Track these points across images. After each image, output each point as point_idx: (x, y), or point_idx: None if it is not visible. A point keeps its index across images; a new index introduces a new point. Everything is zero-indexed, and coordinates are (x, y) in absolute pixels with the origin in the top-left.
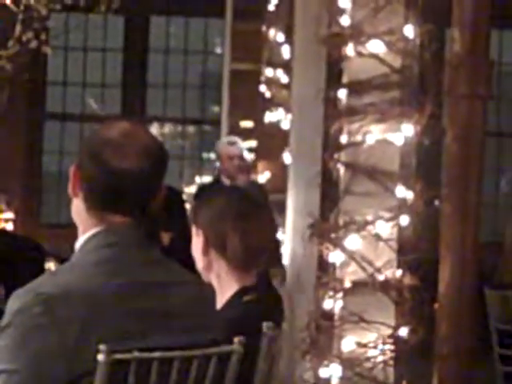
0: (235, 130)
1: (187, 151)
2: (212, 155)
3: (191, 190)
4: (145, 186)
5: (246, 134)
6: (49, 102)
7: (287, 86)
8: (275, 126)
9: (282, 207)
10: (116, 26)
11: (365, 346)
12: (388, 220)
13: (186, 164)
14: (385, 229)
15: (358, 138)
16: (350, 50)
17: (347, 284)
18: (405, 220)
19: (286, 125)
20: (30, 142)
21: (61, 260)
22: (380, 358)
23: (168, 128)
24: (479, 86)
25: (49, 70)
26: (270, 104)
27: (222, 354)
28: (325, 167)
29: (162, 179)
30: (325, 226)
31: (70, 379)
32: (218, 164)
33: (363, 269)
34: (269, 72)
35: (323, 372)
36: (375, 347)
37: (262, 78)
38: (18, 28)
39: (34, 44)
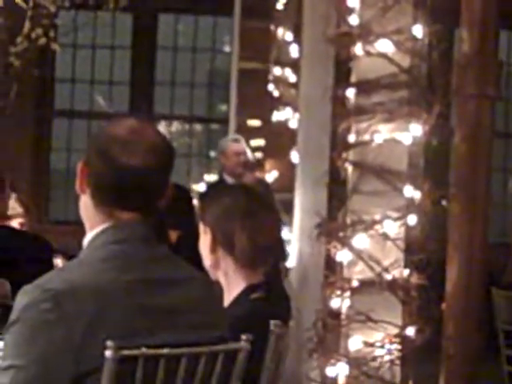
0: (243, 129)
1: (194, 149)
2: None
3: (199, 188)
4: (152, 182)
5: (253, 133)
6: (57, 99)
7: (295, 85)
8: (283, 124)
9: (289, 206)
10: (124, 23)
11: (372, 345)
12: (396, 219)
13: (193, 162)
14: (392, 228)
15: (366, 137)
16: (358, 49)
17: (354, 283)
18: (412, 219)
19: (293, 124)
20: (37, 138)
21: (68, 257)
22: (387, 358)
23: (175, 126)
24: (487, 86)
25: (57, 67)
26: (278, 103)
27: (229, 351)
28: (332, 166)
29: (170, 176)
30: (332, 225)
31: (77, 375)
32: (221, 162)
33: (371, 268)
34: (277, 71)
35: (330, 371)
36: (382, 346)
37: (270, 77)
38: (27, 25)
39: (42, 41)
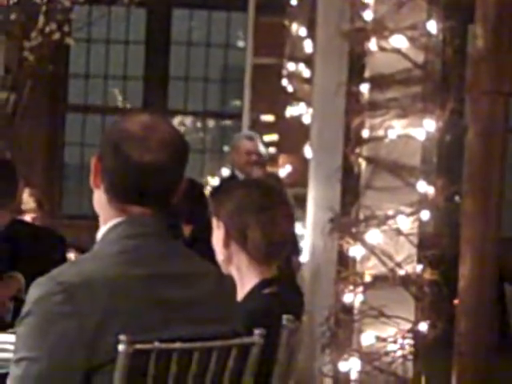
0: (256, 124)
1: (208, 145)
2: None
3: (212, 183)
4: (166, 178)
5: (267, 128)
6: (71, 94)
7: (309, 81)
8: (296, 120)
9: (302, 201)
10: (138, 18)
11: (384, 340)
12: (409, 215)
13: (206, 157)
14: (405, 224)
15: (380, 132)
16: (372, 44)
17: (367, 278)
18: (425, 215)
19: (307, 119)
20: (51, 133)
21: (82, 251)
22: (399, 353)
23: (189, 121)
24: (502, 82)
25: (71, 62)
26: (292, 98)
27: (242, 345)
28: (346, 162)
29: (184, 171)
30: (345, 220)
31: (89, 368)
32: (232, 157)
33: (383, 263)
34: (291, 66)
35: (342, 366)
36: (395, 342)
37: (284, 72)
38: (42, 19)
39: (56, 36)
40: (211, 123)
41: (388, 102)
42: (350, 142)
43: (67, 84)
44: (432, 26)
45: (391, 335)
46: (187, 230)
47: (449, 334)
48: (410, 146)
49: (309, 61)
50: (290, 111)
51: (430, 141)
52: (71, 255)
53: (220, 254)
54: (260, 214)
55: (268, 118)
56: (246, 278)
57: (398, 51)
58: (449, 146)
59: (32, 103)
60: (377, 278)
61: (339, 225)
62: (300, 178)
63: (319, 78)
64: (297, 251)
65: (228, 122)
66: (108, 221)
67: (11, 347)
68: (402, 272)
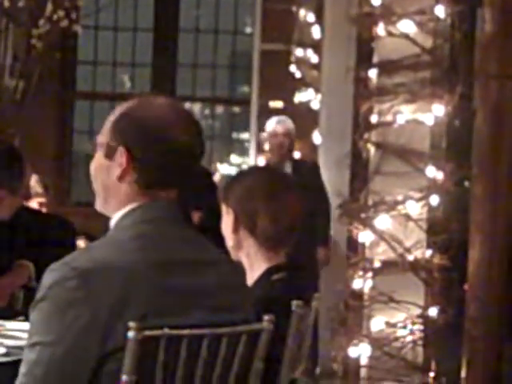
0: (265, 110)
1: (217, 131)
2: (242, 135)
3: (221, 169)
4: (196, 158)
5: (275, 114)
6: (79, 81)
7: (317, 66)
8: (305, 106)
9: None
10: (146, 5)
11: (394, 325)
12: (418, 200)
13: (215, 144)
14: (415, 209)
15: (389, 118)
16: (380, 29)
17: (377, 264)
18: (435, 200)
19: (315, 105)
20: (60, 121)
21: (91, 238)
22: (409, 338)
23: (198, 108)
24: (510, 66)
25: (79, 50)
26: (300, 84)
27: (251, 332)
28: (355, 147)
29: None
30: (354, 205)
31: (103, 353)
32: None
33: (393, 249)
34: (299, 52)
35: (352, 351)
36: (404, 327)
37: (292, 58)
38: (49, 7)
39: (64, 23)
40: (220, 110)
41: (396, 87)
42: (359, 127)
43: (75, 71)
44: (440, 11)
45: (401, 321)
46: (196, 216)
47: (459, 319)
48: (418, 131)
49: (317, 46)
50: (299, 97)
51: (439, 125)
52: (81, 243)
53: (229, 239)
54: (269, 200)
55: (276, 104)
56: (255, 264)
57: (406, 36)
58: (457, 130)
59: (40, 90)
60: (386, 264)
61: (348, 210)
62: None
63: (327, 63)
64: (325, 242)
65: (236, 109)
66: (123, 205)
67: (22, 335)
68: (411, 257)
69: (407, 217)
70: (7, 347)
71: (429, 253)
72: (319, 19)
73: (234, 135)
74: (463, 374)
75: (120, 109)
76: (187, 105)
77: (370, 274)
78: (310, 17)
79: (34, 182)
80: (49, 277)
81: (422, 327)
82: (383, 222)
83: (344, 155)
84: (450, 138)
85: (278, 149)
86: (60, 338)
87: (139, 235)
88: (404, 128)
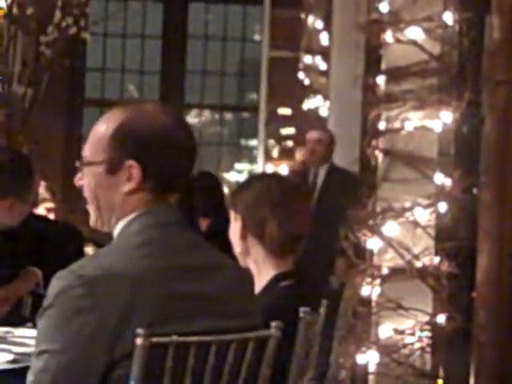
0: (273, 117)
1: (225, 138)
2: (250, 142)
3: (229, 176)
4: (195, 159)
5: (284, 121)
6: (88, 88)
7: (325, 73)
8: (313, 112)
9: None
10: (155, 12)
11: (402, 332)
12: (426, 207)
13: (223, 151)
14: (423, 216)
15: (397, 124)
16: (388, 36)
17: (385, 271)
18: (443, 207)
19: (324, 111)
20: (68, 128)
21: (99, 245)
22: (417, 345)
23: (206, 115)
24: None
25: (88, 57)
26: (309, 91)
27: (259, 338)
28: (363, 154)
29: None
30: (362, 212)
31: (110, 360)
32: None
33: (401, 256)
34: (307, 59)
35: (360, 358)
36: (413, 334)
37: (301, 65)
38: (58, 14)
39: (73, 30)
40: (228, 116)
41: (404, 94)
42: (367, 134)
43: (84, 78)
44: (448, 18)
45: (409, 327)
46: (204, 223)
47: (467, 325)
48: (426, 138)
49: (325, 53)
50: (307, 104)
51: (447, 132)
52: (89, 250)
53: (237, 246)
54: (277, 207)
55: (285, 110)
56: (263, 271)
57: (414, 43)
58: (466, 137)
59: (49, 98)
60: (394, 271)
61: (356, 217)
62: None
63: (336, 70)
64: (344, 253)
65: (245, 116)
66: (127, 213)
67: (30, 342)
68: (419, 264)
69: (415, 224)
70: (15, 354)
71: (437, 260)
72: (327, 26)
73: (243, 142)
74: (471, 381)
75: (112, 122)
76: (195, 112)
77: (378, 281)
78: (319, 24)
79: (41, 187)
80: (55, 285)
81: (430, 334)
82: (391, 228)
83: (352, 162)
84: (458, 144)
85: (307, 155)
86: (67, 345)
87: (145, 242)
88: (412, 135)
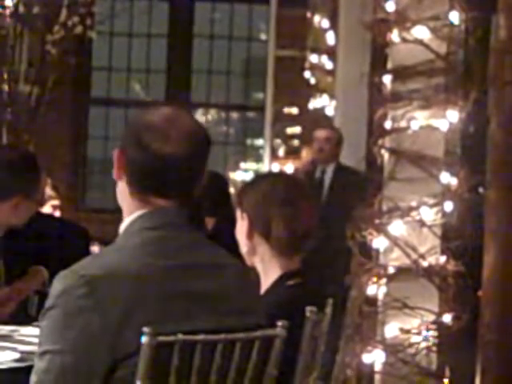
0: (279, 117)
1: (231, 137)
2: (256, 141)
3: (235, 176)
4: (188, 170)
5: (290, 120)
6: (94, 87)
7: (332, 72)
8: (320, 112)
9: None
10: (161, 11)
11: (408, 332)
12: (432, 206)
13: (229, 150)
14: (429, 215)
15: (403, 123)
16: (394, 35)
17: (391, 270)
18: (449, 206)
19: (330, 111)
20: (74, 127)
21: (105, 244)
22: (423, 345)
23: (212, 114)
24: None
25: (94, 56)
26: (315, 90)
27: (265, 337)
28: (369, 153)
29: (205, 164)
30: (369, 211)
31: (113, 360)
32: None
33: (407, 255)
34: (313, 58)
35: (366, 357)
36: (418, 333)
37: (307, 65)
38: (64, 13)
39: (79, 29)
40: (234, 116)
41: (411, 93)
42: (373, 133)
43: (90, 77)
44: (454, 17)
45: (415, 327)
46: (210, 222)
47: (473, 325)
48: (432, 137)
49: (331, 52)
50: (313, 103)
51: (453, 132)
52: (95, 248)
53: (243, 245)
54: (284, 206)
55: (291, 110)
56: (269, 270)
57: (420, 42)
58: (472, 136)
59: (55, 97)
60: (400, 270)
61: (363, 216)
62: None
63: (342, 69)
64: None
65: (251, 115)
66: (131, 213)
67: (36, 340)
68: (425, 263)
69: (421, 223)
70: (21, 352)
71: (443, 259)
72: (334, 25)
73: (249, 141)
74: (477, 380)
75: None
76: (201, 111)
77: (384, 280)
78: (325, 23)
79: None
80: (57, 285)
81: (436, 333)
82: (397, 227)
83: (358, 161)
84: (465, 144)
85: (315, 153)
86: (70, 346)
87: (147, 241)
88: (418, 134)
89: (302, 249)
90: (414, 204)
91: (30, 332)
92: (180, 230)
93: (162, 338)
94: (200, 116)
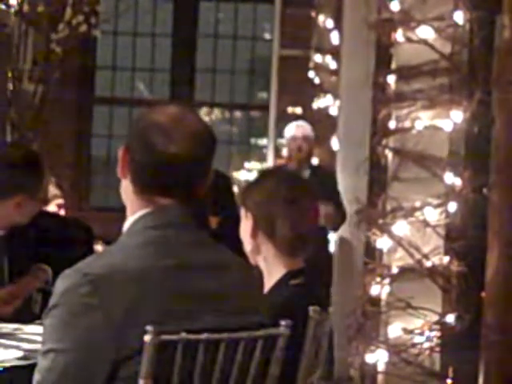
0: (283, 116)
1: (235, 137)
2: (260, 141)
3: (239, 175)
4: (192, 170)
5: (294, 120)
6: (98, 86)
7: (336, 72)
8: (323, 111)
9: None
10: (165, 10)
11: (411, 332)
12: (436, 206)
13: (233, 149)
14: (432, 215)
15: (407, 123)
16: (399, 35)
17: (394, 270)
18: (453, 207)
19: (334, 111)
20: (79, 126)
21: (109, 243)
22: (426, 345)
23: (216, 113)
24: None
25: (98, 55)
26: (319, 90)
27: (268, 337)
28: (373, 153)
29: (211, 164)
30: (372, 211)
31: (116, 359)
32: (284, 151)
33: (411, 255)
34: (317, 58)
35: (369, 357)
36: (422, 333)
37: (311, 64)
38: (69, 12)
39: (83, 28)
40: (238, 115)
41: (415, 93)
42: (377, 133)
43: (94, 76)
44: (459, 17)
45: (418, 327)
46: (214, 221)
47: (476, 325)
48: (436, 138)
49: (336, 52)
50: (317, 103)
51: (457, 132)
52: (99, 247)
53: (247, 244)
54: (288, 205)
55: (295, 109)
56: (273, 269)
57: (424, 42)
58: (476, 137)
59: (59, 95)
60: (404, 270)
61: (366, 216)
62: None
63: (346, 69)
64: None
65: (255, 114)
66: (135, 211)
67: (39, 338)
68: (429, 263)
69: (425, 223)
70: (25, 351)
71: (446, 259)
72: (338, 25)
73: (253, 141)
74: (480, 380)
75: None
76: (205, 111)
77: (387, 280)
78: (329, 23)
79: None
80: (61, 284)
81: (439, 334)
82: (401, 228)
83: (362, 161)
84: (469, 144)
85: (296, 153)
86: (73, 344)
87: (150, 241)
88: (422, 134)
89: (306, 248)
90: (417, 204)
91: (33, 330)
92: (184, 229)
93: (165, 337)
94: (204, 115)
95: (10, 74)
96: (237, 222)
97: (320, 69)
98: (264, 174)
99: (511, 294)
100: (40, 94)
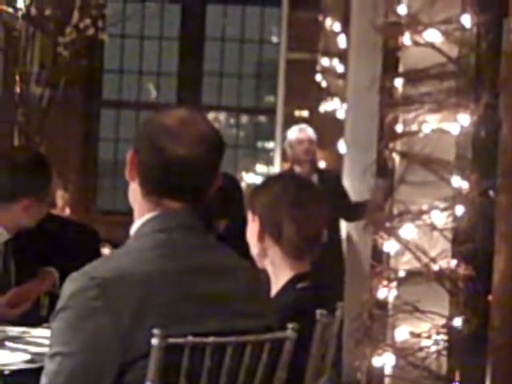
0: (290, 120)
1: (242, 140)
2: (267, 144)
3: (246, 179)
4: (200, 173)
5: (301, 124)
6: (105, 89)
7: (343, 76)
8: (330, 115)
9: None
10: (173, 14)
11: (418, 335)
12: (443, 210)
13: (240, 153)
14: (440, 218)
15: (414, 127)
16: (406, 39)
17: (401, 273)
18: (460, 210)
19: (341, 114)
20: (86, 129)
21: (116, 246)
22: (433, 348)
23: (223, 117)
24: None
25: (105, 58)
26: (326, 93)
27: (275, 340)
28: (380, 156)
29: (219, 167)
30: (379, 215)
31: (124, 362)
32: (288, 153)
33: (418, 258)
34: (325, 61)
35: (376, 361)
36: (429, 337)
37: (318, 68)
38: (76, 15)
39: (91, 31)
40: (245, 119)
41: (422, 97)
42: (384, 137)
43: (101, 79)
44: (466, 20)
45: (425, 330)
46: (221, 224)
47: (483, 329)
48: (444, 141)
49: (343, 56)
50: (324, 106)
51: (464, 135)
52: (106, 250)
53: (254, 247)
54: (295, 209)
55: (302, 113)
56: (280, 272)
57: (432, 45)
58: (483, 140)
59: (66, 99)
60: (411, 273)
61: (373, 220)
62: None
63: (353, 72)
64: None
65: (262, 118)
66: (142, 214)
67: (47, 342)
68: (436, 267)
69: (432, 226)
70: (32, 354)
71: (454, 263)
72: (345, 28)
73: (259, 144)
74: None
75: None
76: (211, 114)
77: (394, 284)
78: (336, 26)
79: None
80: (69, 287)
81: (446, 337)
82: (408, 231)
83: (369, 165)
84: (476, 147)
85: (303, 155)
86: (80, 347)
87: (157, 244)
88: (429, 138)
89: (313, 251)
90: (424, 208)
91: (40, 333)
92: (191, 232)
93: (172, 340)
94: (211, 119)
95: (17, 77)
96: (244, 225)
97: (327, 72)
98: (271, 178)
99: None
100: (47, 97)
